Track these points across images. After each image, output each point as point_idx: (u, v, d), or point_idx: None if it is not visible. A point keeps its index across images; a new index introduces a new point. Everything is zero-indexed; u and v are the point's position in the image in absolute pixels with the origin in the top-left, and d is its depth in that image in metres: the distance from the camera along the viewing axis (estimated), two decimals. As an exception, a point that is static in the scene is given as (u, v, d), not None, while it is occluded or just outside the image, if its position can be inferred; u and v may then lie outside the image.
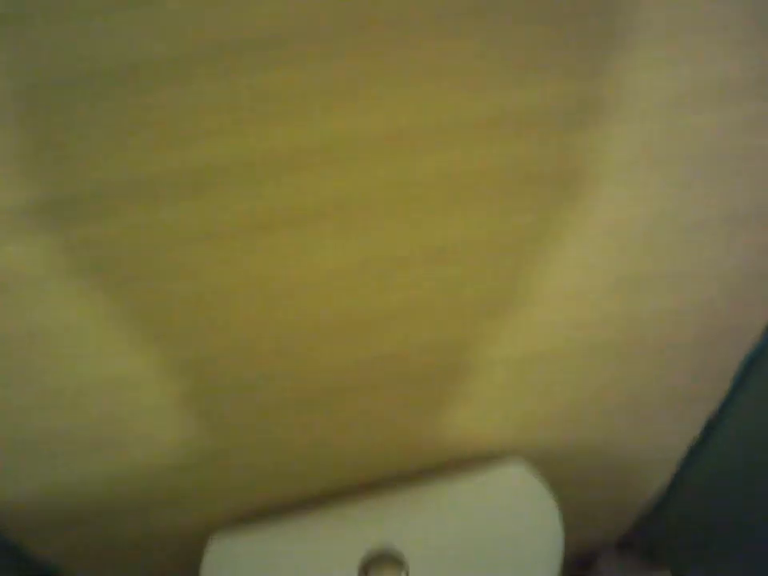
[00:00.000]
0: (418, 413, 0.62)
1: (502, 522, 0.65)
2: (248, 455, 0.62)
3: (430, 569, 0.61)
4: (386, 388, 0.58)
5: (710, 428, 0.75)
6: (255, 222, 0.41)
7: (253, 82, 0.34)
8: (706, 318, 0.57)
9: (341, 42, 0.33)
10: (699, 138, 0.41)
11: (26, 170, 0.36)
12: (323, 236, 0.43)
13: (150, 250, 0.42)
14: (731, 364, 0.64)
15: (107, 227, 0.40)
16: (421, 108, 0.36)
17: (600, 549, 1.10)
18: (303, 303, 0.47)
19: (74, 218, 0.39)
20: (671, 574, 1.04)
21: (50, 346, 0.46)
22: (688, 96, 0.38)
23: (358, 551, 0.62)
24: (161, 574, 0.73)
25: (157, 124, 0.35)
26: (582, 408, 0.68)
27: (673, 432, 0.76)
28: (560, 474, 0.68)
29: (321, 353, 0.52)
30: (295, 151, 0.38)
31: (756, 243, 0.51)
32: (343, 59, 0.34)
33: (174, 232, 0.40)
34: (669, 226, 0.47)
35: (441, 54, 0.34)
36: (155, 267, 0.43)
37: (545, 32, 0.35)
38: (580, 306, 0.53)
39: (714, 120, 0.40)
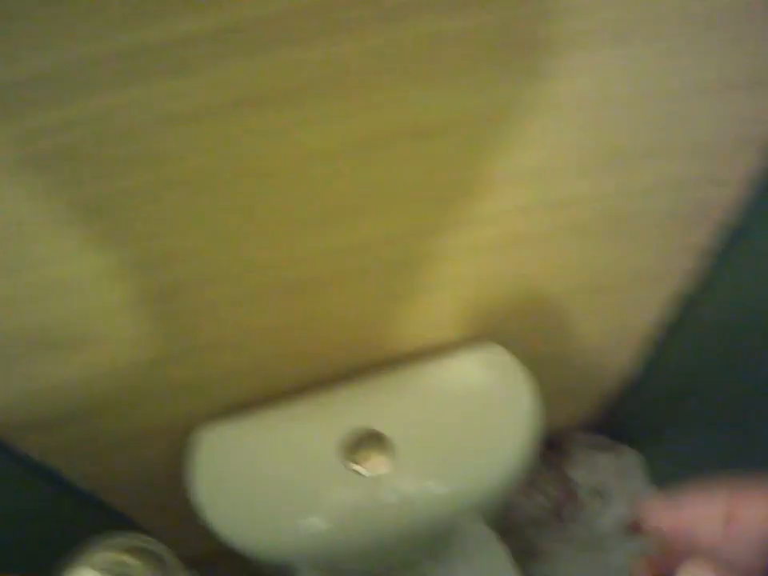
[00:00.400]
0: (395, 301, 0.63)
1: (481, 397, 0.67)
2: (228, 349, 0.62)
3: (413, 446, 0.63)
4: (366, 275, 0.57)
5: (680, 307, 0.77)
6: (240, 98, 0.39)
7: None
8: (679, 193, 0.57)
9: None
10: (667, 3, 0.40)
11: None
12: (308, 115, 0.41)
13: (126, 133, 0.40)
14: (701, 240, 0.65)
15: (70, 112, 0.37)
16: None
17: (569, 431, 1.15)
18: (286, 186, 0.46)
19: (32, 102, 0.37)
20: (636, 452, 1.09)
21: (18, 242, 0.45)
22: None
23: (342, 433, 0.64)
24: (151, 469, 0.75)
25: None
26: (551, 290, 0.69)
27: (642, 312, 0.78)
28: (531, 355, 0.70)
29: (304, 240, 0.52)
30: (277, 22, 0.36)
31: (730, 112, 0.51)
32: None
33: (151, 112, 0.38)
34: (644, 94, 0.46)
35: None
36: (130, 152, 0.41)
37: None
38: (551, 184, 0.53)
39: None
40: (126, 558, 0.42)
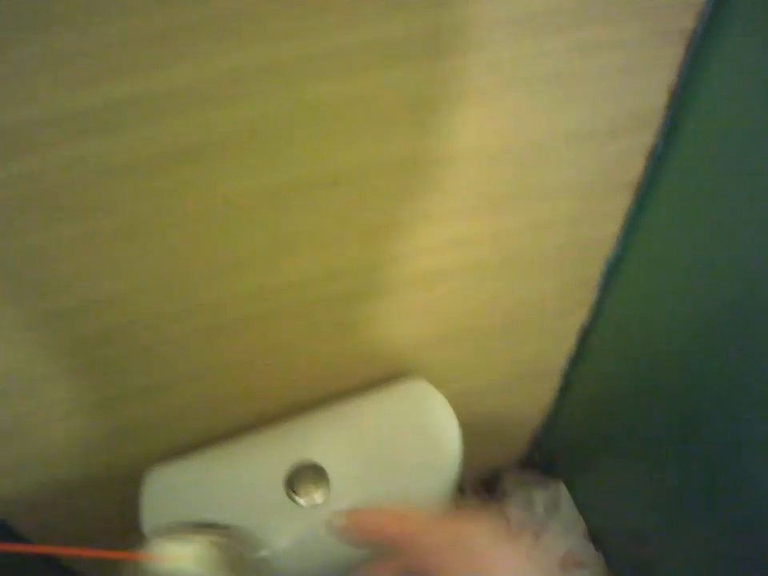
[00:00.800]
0: (323, 339, 0.69)
1: (407, 431, 0.73)
2: (168, 390, 0.67)
3: (347, 477, 0.68)
4: (293, 314, 0.63)
5: (583, 338, 0.86)
6: (164, 153, 0.45)
7: (154, 23, 0.39)
8: (566, 231, 0.66)
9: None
10: (541, 61, 0.49)
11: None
12: (227, 166, 0.48)
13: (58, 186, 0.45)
14: (593, 274, 0.74)
15: (28, 164, 0.43)
16: (303, 40, 0.42)
17: (504, 469, 1.21)
18: (212, 232, 0.52)
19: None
20: (564, 485, 1.16)
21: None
22: (525, 23, 0.46)
23: (283, 468, 0.68)
24: (106, 513, 0.77)
25: (68, 63, 0.39)
26: (468, 326, 0.76)
27: (551, 344, 0.86)
28: (455, 389, 0.77)
29: (232, 282, 0.57)
30: (195, 87, 0.43)
31: (604, 156, 0.60)
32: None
33: (90, 166, 0.44)
34: (523, 145, 0.55)
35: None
36: (63, 203, 0.46)
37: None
38: (453, 225, 0.61)
39: (551, 45, 0.48)
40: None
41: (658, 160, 0.61)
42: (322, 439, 0.72)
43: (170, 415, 0.70)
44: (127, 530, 0.67)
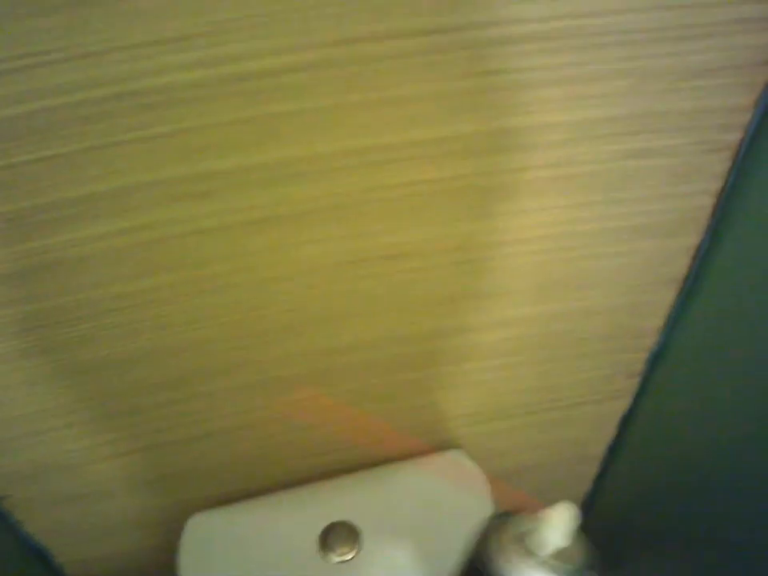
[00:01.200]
0: (375, 401, 0.72)
1: (441, 500, 0.75)
2: (222, 442, 0.70)
3: (379, 539, 0.70)
4: (346, 376, 0.67)
5: (623, 427, 0.87)
6: (250, 220, 0.51)
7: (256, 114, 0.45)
8: (611, 319, 0.69)
9: (323, 76, 0.45)
10: (596, 163, 0.54)
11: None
12: (311, 235, 0.53)
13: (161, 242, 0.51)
14: (636, 363, 0.77)
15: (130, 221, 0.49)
16: (387, 133, 0.48)
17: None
18: (286, 293, 0.57)
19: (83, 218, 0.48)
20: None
21: None
22: (583, 128, 0.51)
23: (319, 525, 0.71)
24: (143, 556, 0.80)
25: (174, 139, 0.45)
26: (511, 405, 0.79)
27: (592, 431, 0.88)
28: (494, 466, 0.79)
29: (290, 341, 0.62)
30: (284, 165, 0.49)
31: (651, 252, 0.63)
32: (324, 88, 0.45)
33: (183, 226, 0.50)
34: (574, 236, 0.59)
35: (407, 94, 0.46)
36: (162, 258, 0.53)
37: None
38: (505, 306, 0.65)
39: (606, 149, 0.53)
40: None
41: (703, 259, 0.64)
42: (358, 500, 0.75)
43: (216, 466, 0.73)
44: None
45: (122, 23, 0.40)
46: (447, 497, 0.75)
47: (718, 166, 0.57)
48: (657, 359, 0.76)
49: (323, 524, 0.71)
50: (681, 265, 0.66)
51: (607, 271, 0.64)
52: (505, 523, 0.39)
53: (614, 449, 0.91)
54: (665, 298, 0.69)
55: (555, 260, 0.61)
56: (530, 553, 0.38)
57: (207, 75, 0.43)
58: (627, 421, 0.86)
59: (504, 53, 0.46)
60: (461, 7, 0.43)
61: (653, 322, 0.72)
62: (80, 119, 0.43)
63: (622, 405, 0.84)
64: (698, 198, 0.60)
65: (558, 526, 0.38)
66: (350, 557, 0.68)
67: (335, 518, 0.72)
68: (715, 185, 0.59)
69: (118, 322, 0.56)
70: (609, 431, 0.88)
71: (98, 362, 0.58)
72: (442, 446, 0.81)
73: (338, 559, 0.68)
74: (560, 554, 0.37)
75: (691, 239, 0.63)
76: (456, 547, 0.71)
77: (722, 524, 0.77)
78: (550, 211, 0.57)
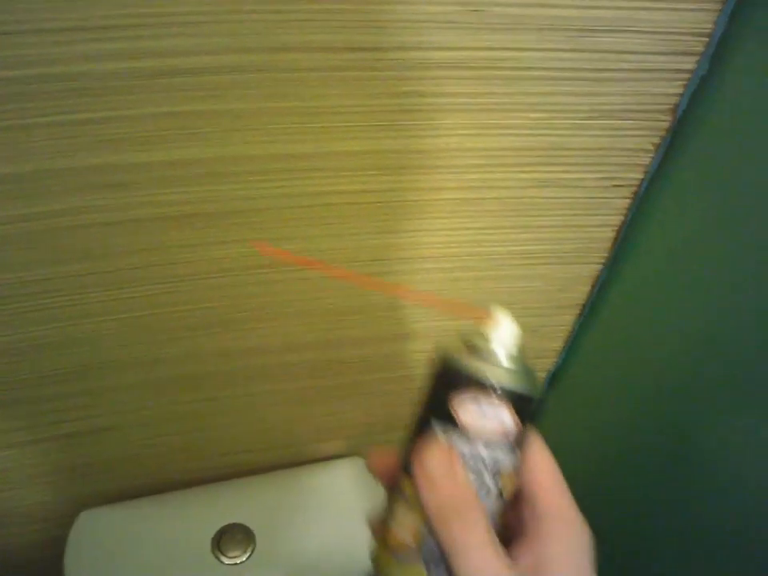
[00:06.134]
0: (283, 404, 0.72)
1: (339, 505, 0.75)
2: (120, 438, 0.69)
3: (274, 542, 0.70)
4: (255, 377, 0.67)
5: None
6: (163, 215, 0.51)
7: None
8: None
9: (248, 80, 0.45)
10: (506, 189, 0.56)
11: None
12: (211, 233, 0.53)
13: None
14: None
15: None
16: (305, 142, 0.49)
17: None
18: (196, 292, 0.57)
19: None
20: None
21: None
22: (497, 156, 0.53)
23: (214, 526, 0.70)
24: (32, 552, 0.77)
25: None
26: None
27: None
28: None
29: (198, 338, 0.61)
30: (202, 164, 0.49)
31: (554, 278, 0.66)
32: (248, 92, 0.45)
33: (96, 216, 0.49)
34: (481, 258, 0.62)
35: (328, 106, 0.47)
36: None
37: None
38: (416, 319, 0.66)
39: (517, 177, 0.56)
40: None
41: (601, 287, 0.68)
42: (255, 503, 0.74)
43: (112, 461, 0.72)
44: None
45: (48, 4, 0.39)
46: (346, 502, 0.76)
47: (620, 201, 0.61)
48: (553, 380, 0.79)
49: (218, 525, 0.71)
50: (581, 291, 0.69)
51: (512, 293, 0.66)
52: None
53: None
54: (565, 321, 0.72)
55: (463, 279, 0.63)
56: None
57: (131, 67, 0.43)
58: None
59: (425, 76, 0.48)
60: (388, 28, 0.45)
61: (554, 343, 0.75)
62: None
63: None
64: (600, 230, 0.63)
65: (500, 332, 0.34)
66: (242, 559, 0.68)
67: (230, 520, 0.71)
68: (616, 219, 0.62)
69: (21, 309, 0.54)
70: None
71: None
72: (346, 452, 0.82)
73: (229, 561, 0.68)
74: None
75: (592, 268, 0.67)
76: (353, 552, 0.71)
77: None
78: (459, 232, 0.59)
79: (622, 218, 0.62)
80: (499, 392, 0.32)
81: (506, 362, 0.33)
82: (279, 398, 0.71)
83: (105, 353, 0.60)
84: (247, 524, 0.71)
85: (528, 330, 0.70)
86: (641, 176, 0.59)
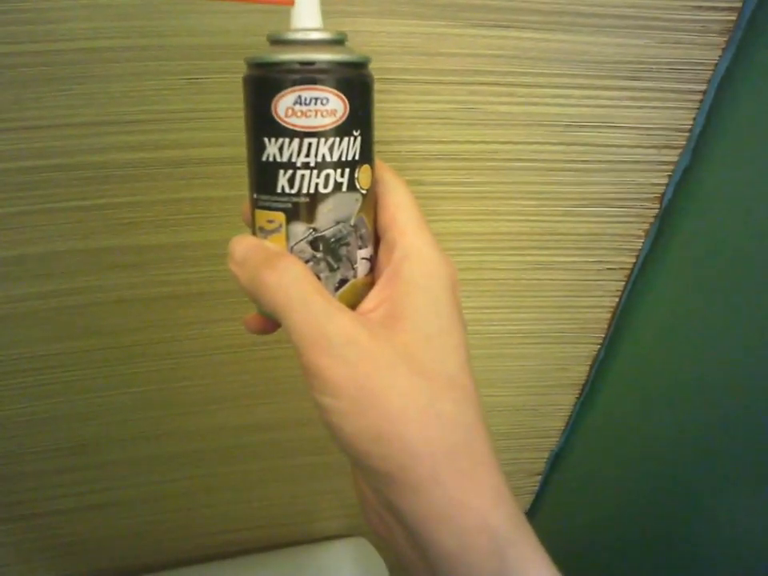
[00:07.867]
0: (281, 481, 0.72)
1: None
2: (118, 514, 0.69)
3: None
4: (251, 454, 0.68)
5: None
6: (173, 294, 0.53)
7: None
8: (515, 419, 0.73)
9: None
10: (504, 271, 0.59)
11: None
12: (224, 313, 0.56)
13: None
14: (538, 463, 0.80)
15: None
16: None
17: None
18: (200, 370, 0.59)
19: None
20: None
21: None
22: (491, 241, 0.56)
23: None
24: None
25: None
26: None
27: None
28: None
29: (203, 416, 0.63)
30: (211, 246, 0.52)
31: (552, 357, 0.68)
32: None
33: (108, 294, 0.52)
34: (481, 337, 0.63)
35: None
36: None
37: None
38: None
39: (513, 260, 0.58)
40: None
41: (599, 367, 0.69)
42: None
43: (108, 538, 0.71)
44: None
45: (73, 102, 0.43)
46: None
47: (614, 284, 0.63)
48: (556, 459, 0.79)
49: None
50: (580, 371, 0.70)
51: (511, 372, 0.68)
52: None
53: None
54: (565, 401, 0.73)
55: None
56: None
57: (147, 158, 0.46)
58: (528, 519, 0.88)
59: (425, 167, 0.52)
60: (386, 123, 0.48)
61: (554, 423, 0.76)
62: (15, 185, 0.45)
63: (522, 503, 0.86)
64: (595, 312, 0.65)
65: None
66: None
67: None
68: (610, 301, 0.64)
69: (29, 383, 0.56)
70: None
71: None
72: (347, 532, 0.81)
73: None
74: None
75: (590, 348, 0.68)
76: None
77: None
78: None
79: (616, 300, 0.64)
80: (315, 71, 0.28)
81: (312, 36, 0.29)
82: (280, 475, 0.71)
83: (110, 427, 0.61)
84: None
85: (528, 409, 0.72)
86: (633, 260, 0.61)
